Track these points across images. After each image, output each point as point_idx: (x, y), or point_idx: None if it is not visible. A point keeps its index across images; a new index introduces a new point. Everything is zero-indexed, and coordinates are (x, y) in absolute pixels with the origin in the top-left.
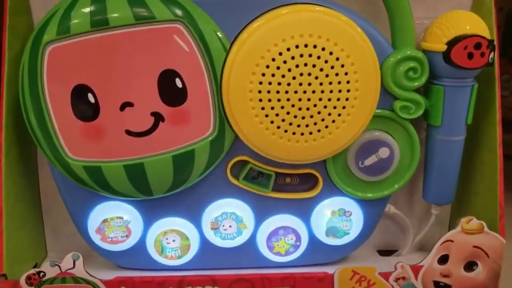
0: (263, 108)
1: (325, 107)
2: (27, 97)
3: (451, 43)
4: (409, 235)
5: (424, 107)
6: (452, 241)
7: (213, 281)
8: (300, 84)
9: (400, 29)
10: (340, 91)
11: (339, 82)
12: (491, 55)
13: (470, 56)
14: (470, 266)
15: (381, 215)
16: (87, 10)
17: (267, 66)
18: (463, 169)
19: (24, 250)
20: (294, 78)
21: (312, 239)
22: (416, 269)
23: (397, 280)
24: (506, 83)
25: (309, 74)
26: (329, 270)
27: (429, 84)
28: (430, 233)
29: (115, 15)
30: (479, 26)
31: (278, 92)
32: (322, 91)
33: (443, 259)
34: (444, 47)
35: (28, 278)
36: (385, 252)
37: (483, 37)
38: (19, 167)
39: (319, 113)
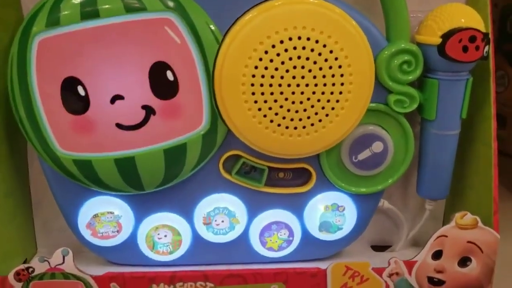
0: (256, 102)
1: (318, 100)
2: (16, 90)
3: (446, 36)
4: (403, 230)
5: (419, 101)
6: (446, 236)
7: (205, 277)
8: (294, 77)
9: (394, 22)
10: (333, 84)
11: (333, 75)
12: (486, 48)
13: (465, 49)
14: (464, 261)
15: (374, 210)
16: (77, 1)
17: (260, 59)
18: (457, 163)
19: (13, 245)
20: (287, 71)
21: (305, 234)
22: (409, 264)
23: (390, 275)
24: (500, 79)
25: (303, 67)
26: (322, 265)
27: (423, 77)
28: (424, 228)
29: (106, 6)
30: (474, 19)
31: (271, 85)
32: (316, 85)
33: (437, 255)
34: (438, 40)
35: (17, 273)
36: (379, 248)
37: (478, 30)
38: (8, 162)
39: (312, 106)
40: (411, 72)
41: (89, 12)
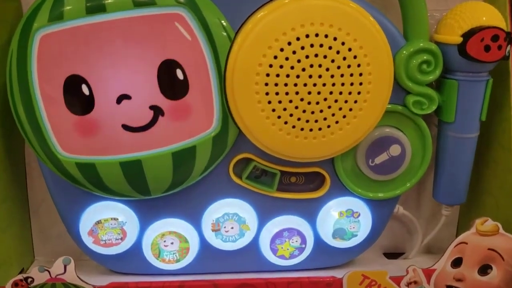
0: (270, 102)
1: (336, 101)
2: (15, 88)
3: (467, 35)
4: (418, 237)
5: (438, 102)
6: (466, 243)
7: (214, 286)
8: (310, 76)
9: (413, 20)
10: (352, 84)
11: (351, 75)
12: (508, 48)
13: (487, 48)
14: (484, 269)
15: (390, 216)
16: None
17: (275, 57)
18: (474, 167)
19: (9, 253)
20: (303, 69)
21: (318, 241)
22: (428, 272)
23: (408, 284)
24: None
25: (320, 66)
26: (336, 274)
27: (442, 78)
28: (437, 234)
29: (113, 0)
30: (496, 18)
31: (286, 84)
32: (333, 84)
33: (457, 262)
34: (459, 39)
35: (15, 284)
36: (391, 255)
37: (501, 29)
38: (5, 164)
39: (329, 107)
40: (431, 72)
41: (95, 6)
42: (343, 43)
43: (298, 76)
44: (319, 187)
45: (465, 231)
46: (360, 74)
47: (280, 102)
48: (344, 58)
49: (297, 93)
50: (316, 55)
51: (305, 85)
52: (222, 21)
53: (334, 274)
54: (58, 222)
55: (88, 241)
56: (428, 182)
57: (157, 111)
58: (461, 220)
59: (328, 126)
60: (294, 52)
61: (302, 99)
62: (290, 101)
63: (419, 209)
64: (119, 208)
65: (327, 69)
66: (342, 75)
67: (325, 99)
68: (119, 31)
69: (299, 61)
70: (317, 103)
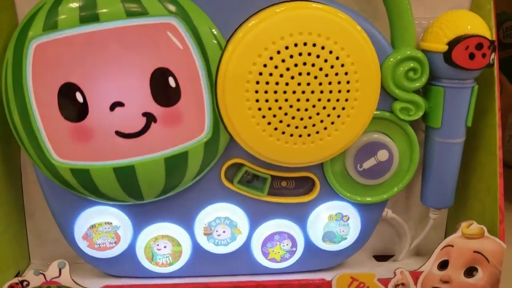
0: (260, 109)
1: (324, 108)
2: (10, 96)
3: (452, 43)
4: (406, 240)
5: (424, 108)
6: (452, 246)
7: None
8: (299, 84)
9: (400, 28)
10: (339, 91)
11: (339, 82)
12: (492, 55)
13: (472, 56)
14: (470, 271)
15: (378, 220)
16: (76, 4)
17: (265, 65)
18: (460, 171)
19: (5, 257)
20: (292, 77)
21: (309, 244)
22: (415, 275)
23: (396, 286)
24: None
25: (308, 74)
26: (326, 276)
27: (428, 85)
28: (426, 237)
29: (106, 10)
30: (481, 26)
31: (275, 92)
32: (321, 92)
33: (443, 265)
34: (445, 47)
35: (11, 287)
36: (381, 257)
37: (485, 37)
38: (1, 169)
39: (317, 114)
40: (417, 80)
41: (88, 16)
42: (330, 52)
43: (287, 84)
44: (309, 191)
45: (453, 233)
46: (348, 82)
47: (270, 108)
48: (332, 66)
49: (286, 100)
50: (304, 64)
51: (294, 92)
52: (213, 30)
53: (324, 276)
54: (53, 226)
55: (82, 245)
56: (416, 186)
57: (150, 118)
58: (449, 223)
59: (317, 132)
60: (283, 61)
61: (291, 106)
62: (280, 108)
63: (407, 212)
64: (113, 212)
65: (315, 77)
66: (330, 83)
67: (314, 106)
68: (112, 40)
69: (288, 69)
70: (306, 109)
